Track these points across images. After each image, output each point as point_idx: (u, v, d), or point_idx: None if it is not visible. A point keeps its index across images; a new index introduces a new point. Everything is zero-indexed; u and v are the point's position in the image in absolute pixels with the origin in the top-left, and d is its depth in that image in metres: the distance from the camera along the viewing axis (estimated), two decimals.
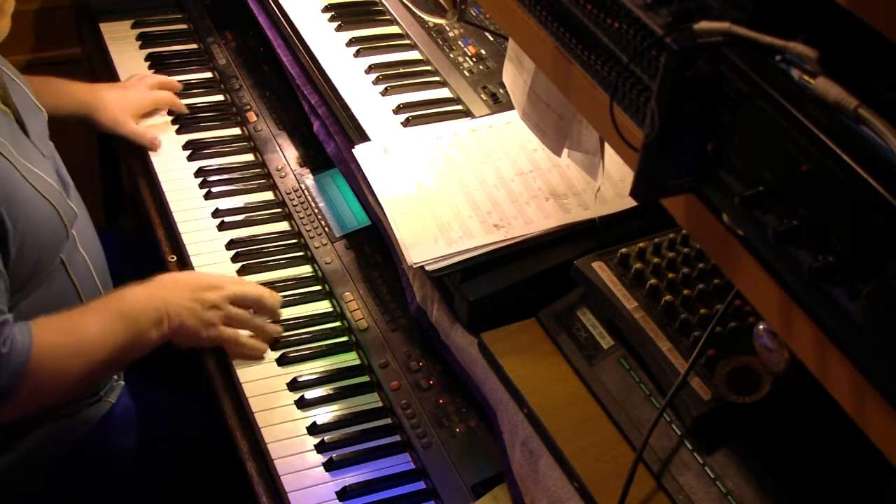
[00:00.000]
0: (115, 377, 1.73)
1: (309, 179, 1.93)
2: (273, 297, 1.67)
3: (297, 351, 1.64)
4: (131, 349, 1.55)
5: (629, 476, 1.20)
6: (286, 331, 1.67)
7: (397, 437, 1.52)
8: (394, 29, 2.05)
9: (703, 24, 0.77)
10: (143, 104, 2.03)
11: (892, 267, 0.65)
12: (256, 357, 1.62)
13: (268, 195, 1.94)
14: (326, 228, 1.83)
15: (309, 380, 1.59)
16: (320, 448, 1.49)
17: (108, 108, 1.97)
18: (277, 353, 1.63)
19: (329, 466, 1.47)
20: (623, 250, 1.36)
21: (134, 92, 2.03)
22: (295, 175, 1.95)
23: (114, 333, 1.52)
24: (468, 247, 1.47)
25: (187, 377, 1.77)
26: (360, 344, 1.64)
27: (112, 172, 2.51)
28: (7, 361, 1.40)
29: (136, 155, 2.03)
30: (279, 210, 1.91)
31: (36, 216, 1.48)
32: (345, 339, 1.68)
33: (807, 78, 0.73)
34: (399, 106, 1.81)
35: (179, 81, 2.14)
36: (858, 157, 0.67)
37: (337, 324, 1.70)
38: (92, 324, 1.51)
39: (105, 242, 1.75)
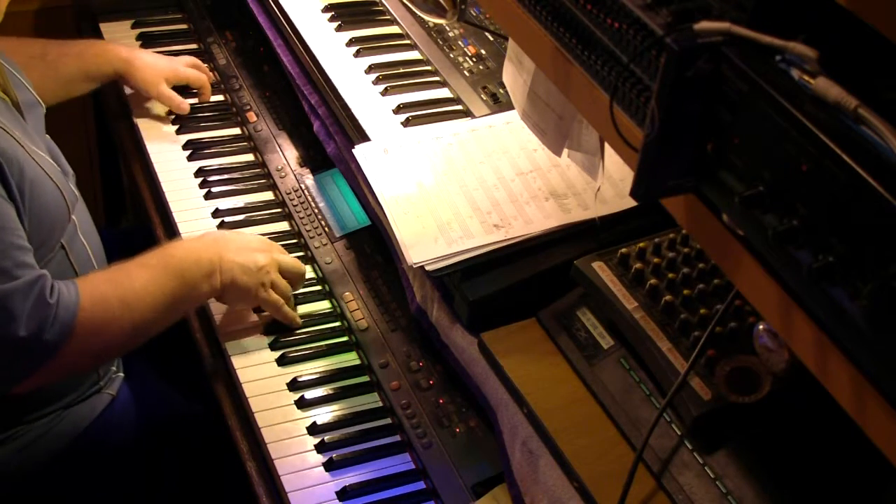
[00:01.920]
0: (115, 368, 1.73)
1: (309, 179, 1.93)
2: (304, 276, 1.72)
3: (297, 351, 1.64)
4: (182, 302, 1.55)
5: (629, 476, 1.20)
6: (286, 331, 1.67)
7: (397, 437, 1.52)
8: (394, 29, 2.05)
9: (703, 24, 0.77)
10: (179, 74, 2.07)
11: (892, 267, 0.65)
12: (291, 325, 1.66)
13: (268, 195, 1.94)
14: (326, 228, 1.83)
15: (309, 380, 1.59)
16: (320, 448, 1.49)
17: (145, 65, 2.02)
18: (277, 353, 1.63)
19: (329, 466, 1.47)
20: (623, 250, 1.36)
21: (170, 60, 2.09)
22: (295, 175, 1.95)
23: (161, 285, 1.51)
24: (468, 247, 1.47)
25: (187, 376, 1.77)
26: (360, 344, 1.64)
27: (112, 172, 2.51)
28: (55, 314, 1.39)
29: (136, 155, 2.03)
30: (279, 210, 1.91)
31: (42, 195, 1.48)
32: (345, 339, 1.68)
33: (807, 78, 0.73)
34: (399, 106, 1.81)
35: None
36: (858, 157, 0.67)
37: (337, 324, 1.70)
38: (139, 276, 1.51)
39: (106, 240, 1.76)
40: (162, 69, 2.04)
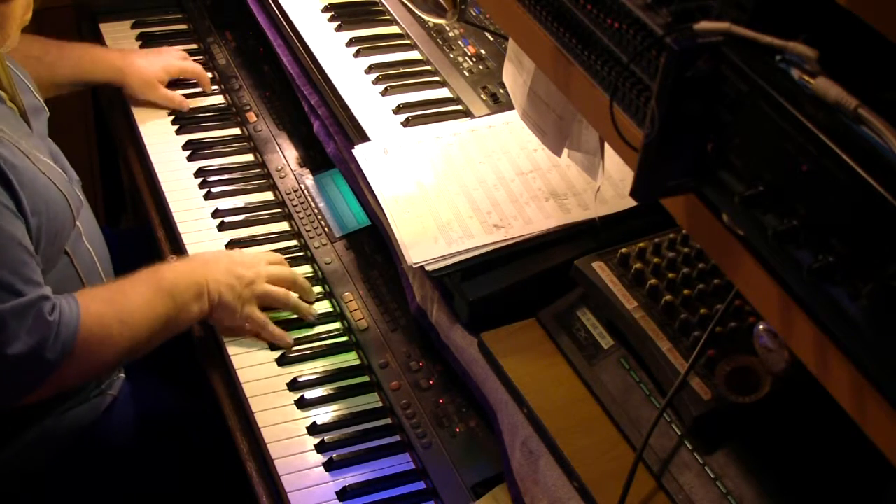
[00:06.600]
0: (116, 370, 1.73)
1: (309, 179, 1.93)
2: (305, 280, 1.71)
3: (297, 351, 1.64)
4: (173, 323, 1.56)
5: (629, 476, 1.20)
6: (286, 330, 1.66)
7: (397, 437, 1.52)
8: (394, 29, 2.05)
9: (703, 24, 0.77)
10: (170, 70, 2.09)
11: (892, 267, 0.65)
12: (282, 345, 1.64)
13: (268, 195, 1.94)
14: (326, 228, 1.83)
15: (309, 380, 1.59)
16: (320, 448, 1.49)
17: (138, 72, 2.05)
18: (277, 353, 1.63)
19: (329, 466, 1.47)
20: (623, 250, 1.36)
21: (163, 57, 2.11)
22: (295, 175, 1.95)
23: (155, 306, 1.53)
24: (468, 247, 1.47)
25: (187, 376, 1.77)
26: (360, 344, 1.64)
27: (112, 172, 2.51)
28: (57, 332, 1.41)
29: (136, 155, 2.03)
30: (279, 210, 1.91)
31: (49, 205, 1.49)
32: (345, 339, 1.68)
33: (807, 78, 0.73)
34: (399, 106, 1.81)
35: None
36: (858, 157, 0.67)
37: (337, 324, 1.70)
38: (134, 295, 1.53)
39: (106, 240, 1.76)
40: (155, 72, 2.06)
